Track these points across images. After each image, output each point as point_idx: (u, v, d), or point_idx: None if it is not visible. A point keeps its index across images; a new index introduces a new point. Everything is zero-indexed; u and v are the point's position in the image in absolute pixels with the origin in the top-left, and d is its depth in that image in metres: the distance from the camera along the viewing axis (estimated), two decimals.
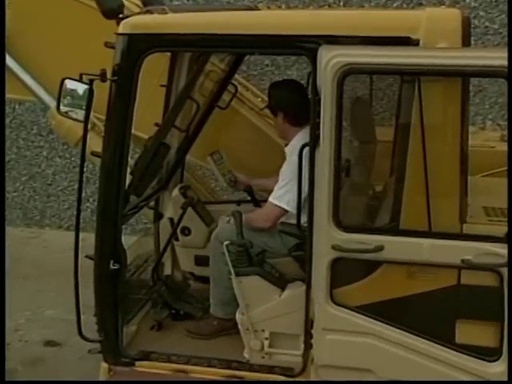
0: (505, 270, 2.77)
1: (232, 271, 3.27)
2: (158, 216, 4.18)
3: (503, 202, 2.79)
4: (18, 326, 5.13)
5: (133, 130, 3.23)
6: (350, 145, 3.60)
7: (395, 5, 6.17)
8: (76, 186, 6.70)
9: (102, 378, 3.39)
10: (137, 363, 3.37)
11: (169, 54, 3.91)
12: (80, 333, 3.32)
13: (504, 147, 3.26)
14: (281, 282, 3.36)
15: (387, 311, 2.94)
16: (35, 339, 4.98)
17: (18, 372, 4.50)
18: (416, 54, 2.75)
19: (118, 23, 3.12)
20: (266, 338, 3.31)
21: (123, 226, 3.31)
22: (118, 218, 3.22)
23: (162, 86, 3.99)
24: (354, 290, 2.98)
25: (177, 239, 4.14)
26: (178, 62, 3.97)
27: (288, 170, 3.45)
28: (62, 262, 4.03)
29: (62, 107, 3.10)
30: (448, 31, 2.79)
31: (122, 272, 3.27)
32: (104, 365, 3.39)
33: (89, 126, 3.16)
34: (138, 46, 3.10)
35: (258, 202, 4.22)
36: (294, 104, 3.64)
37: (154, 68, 3.44)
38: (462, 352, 2.88)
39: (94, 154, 3.31)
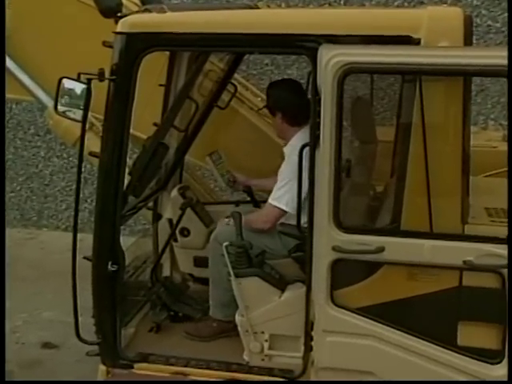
0: (507, 272, 2.77)
1: (231, 272, 3.27)
2: (157, 217, 4.19)
3: (505, 202, 2.79)
4: (15, 327, 5.13)
5: (131, 130, 3.23)
6: (350, 145, 3.61)
7: (396, 3, 6.18)
8: (74, 187, 6.64)
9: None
10: (135, 365, 3.37)
11: (167, 53, 3.91)
12: (78, 335, 3.32)
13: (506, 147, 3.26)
14: (281, 284, 3.36)
15: (388, 313, 2.94)
16: (32, 341, 4.98)
17: (14, 374, 4.49)
18: (417, 54, 2.75)
19: (116, 22, 3.12)
20: (266, 340, 3.32)
21: (121, 227, 3.31)
22: (116, 218, 3.22)
23: (161, 85, 3.99)
24: (354, 292, 2.98)
25: (176, 240, 4.14)
26: (177, 62, 3.98)
27: (287, 171, 3.45)
28: (60, 264, 4.04)
29: (59, 107, 3.10)
30: (450, 30, 2.80)
31: (120, 273, 3.27)
32: (102, 367, 3.39)
33: (87, 126, 3.16)
34: (137, 45, 3.10)
35: (258, 202, 4.22)
36: (292, 104, 3.64)
37: (153, 67, 3.44)
38: (464, 354, 2.88)
39: (92, 154, 3.31)
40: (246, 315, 3.30)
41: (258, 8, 3.71)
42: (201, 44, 3.18)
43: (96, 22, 3.30)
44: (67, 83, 3.06)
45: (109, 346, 3.34)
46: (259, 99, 4.60)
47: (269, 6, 4.03)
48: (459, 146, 2.83)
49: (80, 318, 3.31)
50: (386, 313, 2.94)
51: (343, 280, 2.97)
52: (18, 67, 4.39)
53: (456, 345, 2.89)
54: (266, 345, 3.32)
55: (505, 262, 2.75)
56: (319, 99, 2.82)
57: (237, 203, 4.35)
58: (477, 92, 5.90)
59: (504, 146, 3.94)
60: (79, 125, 3.11)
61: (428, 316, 2.93)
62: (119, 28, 3.10)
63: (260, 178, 4.21)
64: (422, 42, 2.79)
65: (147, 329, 3.78)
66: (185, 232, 4.10)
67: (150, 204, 4.11)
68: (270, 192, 3.54)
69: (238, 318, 3.35)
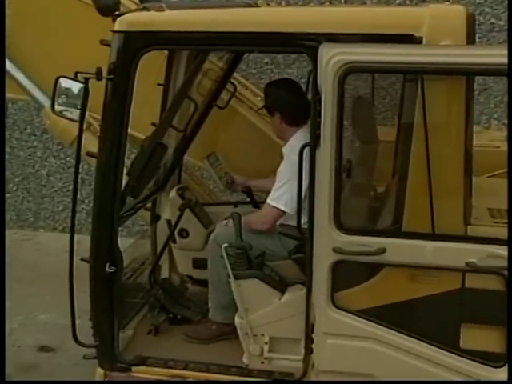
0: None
1: (231, 274, 3.28)
2: (155, 218, 4.19)
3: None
4: (11, 330, 5.12)
5: (129, 130, 3.24)
6: (351, 145, 3.61)
7: (398, 1, 6.18)
8: (71, 187, 6.61)
9: None
10: (133, 369, 3.38)
11: (166, 51, 3.91)
12: (75, 338, 3.32)
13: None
14: (281, 286, 3.37)
15: (389, 315, 2.95)
16: (28, 344, 4.99)
17: (10, 378, 4.49)
18: (419, 52, 2.75)
19: (114, 20, 3.13)
20: (266, 343, 3.32)
21: (119, 228, 3.32)
22: (114, 219, 3.23)
23: (159, 84, 3.99)
24: (355, 294, 2.98)
25: (174, 241, 4.14)
26: (176, 61, 3.98)
27: (285, 171, 3.46)
28: (57, 265, 4.03)
29: (56, 106, 3.10)
30: (452, 28, 2.80)
31: (118, 275, 3.27)
32: (99, 370, 3.39)
33: (84, 126, 3.16)
34: (135, 44, 3.11)
35: (257, 203, 4.22)
36: (290, 103, 3.65)
37: (151, 66, 3.44)
38: (466, 357, 2.89)
39: (89, 154, 3.31)
40: (246, 317, 3.31)
41: (258, 6, 3.72)
42: (200, 43, 3.19)
43: (93, 20, 3.31)
44: (64, 82, 3.06)
45: (106, 348, 3.35)
46: (259, 98, 4.60)
47: (268, 5, 4.04)
48: (462, 146, 2.84)
49: (77, 321, 3.31)
50: (387, 315, 2.94)
51: (344, 282, 2.97)
52: (14, 66, 4.39)
53: (458, 348, 2.90)
54: (265, 347, 3.32)
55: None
56: (320, 99, 2.83)
57: (236, 204, 4.36)
58: (479, 91, 5.90)
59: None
60: (76, 124, 3.11)
61: (430, 318, 2.93)
62: (117, 26, 3.10)
63: (260, 178, 4.21)
64: (424, 40, 2.79)
65: (145, 331, 3.79)
66: (183, 233, 4.10)
67: (149, 205, 4.11)
68: (269, 192, 3.55)
69: (237, 321, 3.36)
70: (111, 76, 3.08)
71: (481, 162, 3.17)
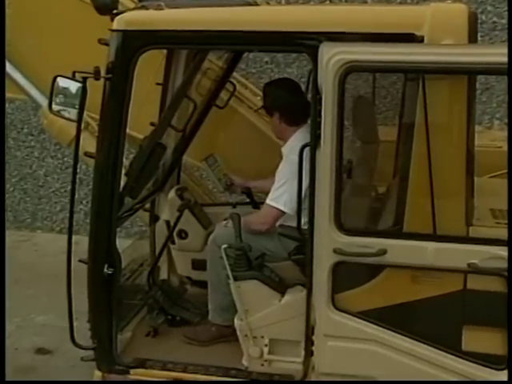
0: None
1: (230, 276, 3.28)
2: (154, 218, 4.19)
3: None
4: (8, 332, 5.11)
5: (128, 130, 3.24)
6: (351, 145, 3.61)
7: (399, 0, 6.18)
8: (69, 188, 6.70)
9: None
10: (131, 371, 3.38)
11: (165, 51, 3.92)
12: (73, 340, 3.32)
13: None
14: (281, 287, 3.37)
15: (391, 317, 2.95)
16: (26, 347, 4.98)
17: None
18: (420, 51, 2.76)
19: (112, 19, 3.13)
20: (266, 345, 3.33)
21: (118, 229, 3.32)
22: (112, 220, 3.23)
23: (158, 84, 3.99)
24: (356, 295, 2.98)
25: (173, 242, 4.15)
26: (175, 60, 3.98)
27: (285, 171, 3.46)
28: (54, 267, 4.04)
29: (54, 106, 3.10)
30: (454, 27, 2.80)
31: (116, 276, 3.28)
32: (97, 373, 3.40)
33: (82, 126, 3.16)
34: (133, 43, 3.11)
35: (257, 203, 4.23)
36: (290, 103, 3.65)
37: (150, 65, 3.45)
38: (468, 360, 2.89)
39: (87, 154, 3.32)
40: (246, 319, 3.31)
41: (258, 5, 3.72)
42: (199, 42, 3.19)
43: (91, 19, 3.31)
44: (62, 82, 3.07)
45: (104, 351, 3.35)
46: (258, 98, 4.60)
47: (268, 3, 4.04)
48: (463, 146, 2.84)
49: (75, 323, 3.31)
50: (388, 317, 2.94)
51: (344, 283, 2.97)
52: (11, 65, 4.39)
53: (460, 350, 2.90)
54: (265, 349, 3.32)
55: None
56: (320, 98, 2.83)
57: (234, 205, 4.36)
58: (482, 90, 5.90)
59: None
60: (74, 124, 3.12)
61: (431, 320, 2.94)
62: (115, 25, 3.11)
63: (260, 178, 4.21)
64: (426, 39, 2.80)
65: (144, 333, 3.79)
66: (182, 234, 4.10)
67: (147, 205, 4.12)
68: (268, 193, 3.55)
69: (236, 322, 3.36)
70: (109, 75, 3.08)
71: (483, 162, 3.18)
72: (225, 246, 3.29)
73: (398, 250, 2.86)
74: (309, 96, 3.34)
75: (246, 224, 3.47)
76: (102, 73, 3.04)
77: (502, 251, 2.77)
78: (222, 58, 4.37)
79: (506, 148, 3.99)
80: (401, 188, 2.96)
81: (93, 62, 3.00)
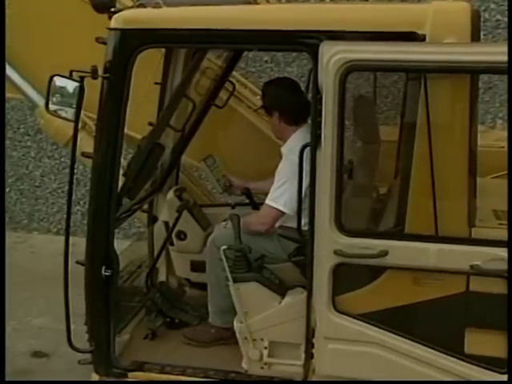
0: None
1: (229, 277, 3.28)
2: (153, 219, 4.20)
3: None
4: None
5: (126, 130, 3.24)
6: (352, 145, 3.62)
7: None
8: (66, 188, 6.69)
9: None
10: (129, 374, 3.38)
11: (163, 49, 3.92)
12: (70, 342, 3.33)
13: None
14: (281, 289, 3.37)
15: (392, 319, 2.95)
16: (22, 350, 4.97)
17: None
18: (422, 50, 2.75)
19: (110, 17, 3.13)
20: (265, 348, 3.33)
21: (116, 230, 3.32)
22: (110, 221, 3.23)
23: (157, 83, 4.00)
24: (357, 297, 2.98)
25: (172, 244, 4.15)
26: (173, 59, 3.99)
27: (285, 170, 3.47)
28: (51, 268, 4.04)
29: (50, 105, 3.10)
30: (456, 25, 2.80)
31: (114, 278, 3.28)
32: (95, 376, 3.40)
33: (79, 126, 3.17)
34: (131, 42, 3.11)
35: (257, 204, 4.23)
36: (289, 102, 3.66)
37: (148, 65, 3.45)
38: (470, 363, 2.89)
39: (84, 154, 3.32)
40: (245, 321, 3.31)
41: (257, 3, 3.72)
42: (198, 41, 3.19)
43: (89, 17, 3.31)
44: (59, 81, 3.07)
45: (102, 354, 3.35)
46: (258, 98, 4.60)
47: (268, 2, 4.04)
48: (466, 145, 2.84)
49: (72, 325, 3.31)
50: (389, 319, 2.94)
51: (345, 285, 2.97)
52: (7, 65, 4.39)
53: (463, 353, 2.90)
54: (265, 352, 3.32)
55: None
56: (320, 98, 2.83)
57: (233, 206, 4.36)
58: (484, 90, 5.91)
59: None
60: (71, 124, 3.12)
61: (433, 323, 2.94)
62: (113, 24, 3.11)
63: (259, 178, 4.21)
64: (428, 38, 2.80)
65: (142, 336, 3.79)
66: (181, 235, 4.11)
67: (146, 206, 4.12)
68: (267, 194, 3.55)
69: (236, 325, 3.36)
70: (107, 74, 3.09)
71: (485, 163, 3.17)
72: (224, 247, 3.30)
73: (400, 251, 2.86)
74: (309, 95, 3.34)
75: (245, 225, 3.47)
76: (100, 72, 3.05)
77: (505, 253, 2.77)
78: (221, 57, 4.38)
79: None
80: (402, 188, 2.96)
81: (90, 60, 3.01)
